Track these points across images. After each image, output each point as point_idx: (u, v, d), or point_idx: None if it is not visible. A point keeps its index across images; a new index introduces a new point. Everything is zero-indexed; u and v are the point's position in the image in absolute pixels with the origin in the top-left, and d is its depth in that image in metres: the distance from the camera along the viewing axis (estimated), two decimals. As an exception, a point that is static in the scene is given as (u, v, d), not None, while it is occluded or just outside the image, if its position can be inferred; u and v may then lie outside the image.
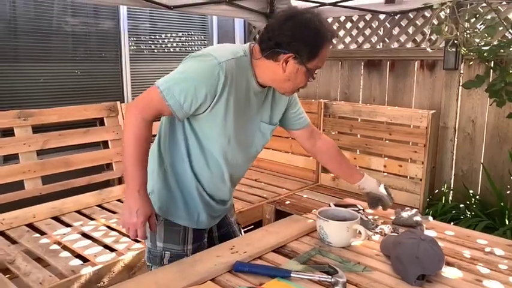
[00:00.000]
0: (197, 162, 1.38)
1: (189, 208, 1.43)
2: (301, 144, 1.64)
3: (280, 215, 2.78)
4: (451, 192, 3.13)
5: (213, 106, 1.27)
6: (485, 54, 2.64)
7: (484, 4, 2.59)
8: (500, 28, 2.53)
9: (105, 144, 3.12)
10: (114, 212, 2.80)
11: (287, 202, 3.01)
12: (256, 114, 1.41)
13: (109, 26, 3.44)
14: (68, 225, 2.60)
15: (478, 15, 2.72)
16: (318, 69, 1.33)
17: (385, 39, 3.40)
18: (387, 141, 3.07)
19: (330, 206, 1.71)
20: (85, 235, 2.45)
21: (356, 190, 3.15)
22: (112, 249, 2.26)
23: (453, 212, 2.95)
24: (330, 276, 1.16)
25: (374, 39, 3.48)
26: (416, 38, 3.23)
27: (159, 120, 1.43)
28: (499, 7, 2.68)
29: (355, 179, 1.64)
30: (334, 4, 3.46)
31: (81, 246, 2.28)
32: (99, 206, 2.90)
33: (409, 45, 3.27)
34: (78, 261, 2.12)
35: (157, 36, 3.77)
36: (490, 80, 2.72)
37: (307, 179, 3.52)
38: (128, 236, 1.71)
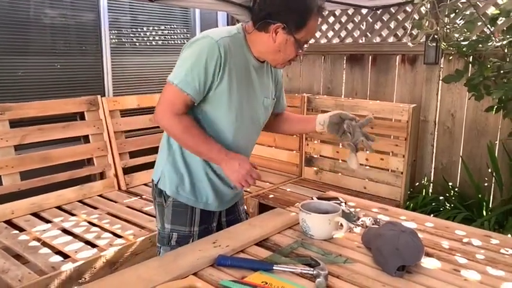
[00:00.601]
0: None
1: (196, 189, 1.47)
2: (271, 126, 1.67)
3: (263, 208, 2.79)
4: (431, 184, 3.19)
5: (219, 82, 1.34)
6: (464, 49, 2.69)
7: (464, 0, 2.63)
8: (479, 23, 2.57)
9: (85, 138, 3.07)
10: (95, 208, 2.77)
11: (271, 196, 3.03)
12: (259, 89, 1.47)
13: (89, 18, 3.36)
14: (48, 221, 2.56)
15: (457, 11, 2.76)
16: (306, 44, 1.38)
17: (367, 33, 3.42)
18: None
19: (312, 199, 1.73)
20: (66, 231, 2.41)
21: (339, 184, 3.22)
22: (93, 245, 2.23)
23: (433, 204, 3.01)
24: (312, 269, 1.17)
25: (356, 33, 3.50)
26: (397, 32, 3.27)
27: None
28: (477, 2, 2.73)
29: (311, 122, 1.59)
30: (317, -2, 3.46)
31: (62, 243, 2.25)
32: (80, 201, 2.86)
33: (391, 39, 3.30)
34: (58, 258, 2.09)
35: (139, 29, 3.71)
36: (469, 75, 2.78)
37: (290, 172, 3.54)
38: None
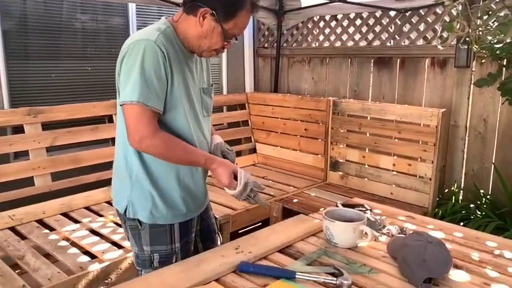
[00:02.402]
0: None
1: (171, 204, 1.41)
2: None
3: (287, 213, 2.77)
4: (461, 191, 3.09)
5: (171, 83, 1.30)
6: (497, 52, 2.60)
7: (497, 1, 2.54)
8: (514, 25, 2.47)
9: (114, 141, 3.12)
10: (122, 209, 2.82)
11: (295, 200, 3.00)
12: (197, 79, 1.44)
13: (118, 23, 3.45)
14: (76, 221, 2.62)
15: (490, 12, 2.67)
16: (236, 40, 1.36)
17: (396, 36, 3.35)
18: (396, 140, 3.04)
19: (337, 205, 1.70)
20: (93, 231, 2.47)
21: (365, 189, 3.16)
22: (120, 246, 2.27)
23: (463, 212, 2.91)
24: (335, 278, 1.15)
25: (384, 36, 3.43)
26: (427, 35, 3.18)
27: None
28: (512, 4, 2.63)
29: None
30: (344, 1, 3.43)
31: (89, 243, 2.30)
32: (108, 202, 2.92)
33: (420, 42, 3.22)
34: (86, 258, 2.14)
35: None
36: (503, 78, 2.68)
37: (315, 177, 3.51)
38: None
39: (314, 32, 3.88)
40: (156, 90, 1.25)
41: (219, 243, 1.68)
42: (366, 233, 1.37)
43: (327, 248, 1.38)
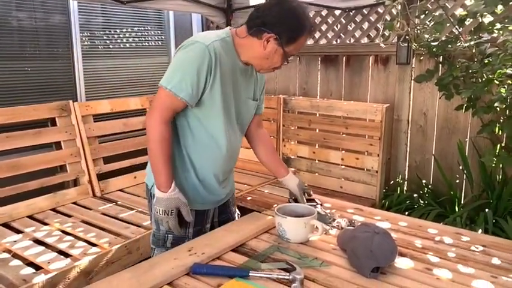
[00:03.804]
0: (197, 146, 1.48)
1: (191, 188, 1.51)
2: (248, 130, 1.71)
3: (242, 211, 2.74)
4: (406, 182, 3.26)
5: (211, 86, 1.40)
6: (434, 50, 2.76)
7: (433, 1, 2.70)
8: (448, 24, 2.63)
9: (58, 145, 2.98)
10: (69, 216, 2.70)
11: (248, 198, 3.02)
12: (243, 91, 1.54)
13: (59, 21, 3.28)
14: (19, 231, 2.47)
15: (427, 12, 2.82)
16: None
17: (341, 34, 3.46)
18: (344, 135, 3.14)
19: (289, 201, 1.73)
20: (38, 241, 2.34)
21: (316, 183, 3.24)
22: (67, 255, 2.17)
23: (408, 201, 3.07)
24: (288, 274, 1.17)
25: (330, 34, 3.53)
26: (370, 33, 3.31)
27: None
28: (446, 4, 2.79)
29: (280, 174, 1.75)
30: None
31: (33, 254, 2.18)
32: (53, 209, 2.79)
33: (364, 40, 3.35)
34: (30, 270, 2.02)
35: (112, 32, 3.64)
36: (440, 74, 2.85)
37: (268, 174, 3.52)
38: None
39: (263, 30, 3.91)
40: (193, 86, 1.36)
41: None
42: (316, 227, 1.41)
43: (279, 244, 1.40)
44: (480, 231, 2.44)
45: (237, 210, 1.81)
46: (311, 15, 3.55)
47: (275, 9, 1.38)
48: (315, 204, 1.70)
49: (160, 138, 1.39)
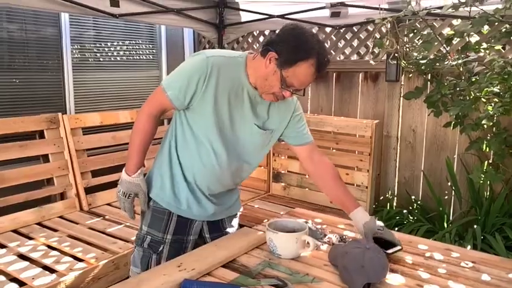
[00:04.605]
0: (186, 150, 1.50)
1: (176, 194, 1.53)
2: (302, 163, 1.68)
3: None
4: (395, 198, 3.27)
5: (203, 94, 1.41)
6: (422, 67, 2.81)
7: (421, 20, 2.76)
8: (436, 43, 2.69)
9: (45, 158, 2.94)
10: (55, 230, 2.65)
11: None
12: (249, 115, 1.49)
13: (50, 33, 3.27)
14: (2, 246, 2.41)
15: (415, 31, 2.89)
16: (296, 90, 1.40)
17: (331, 51, 3.50)
18: (334, 150, 3.16)
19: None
20: (22, 256, 2.28)
21: (307, 199, 3.23)
22: (52, 271, 2.12)
23: (397, 217, 3.07)
24: (279, 290, 1.16)
25: (321, 51, 3.57)
26: (360, 50, 3.36)
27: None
28: (434, 23, 2.86)
29: (347, 209, 1.54)
30: (281, 16, 3.53)
31: (18, 269, 2.12)
32: (39, 224, 2.73)
33: (354, 57, 3.40)
34: (14, 286, 1.97)
35: (103, 45, 3.64)
36: (428, 92, 2.90)
37: (258, 188, 3.53)
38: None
39: (254, 46, 3.95)
40: (180, 89, 1.41)
41: None
42: (308, 242, 1.40)
43: (270, 260, 1.38)
44: (469, 247, 2.45)
45: (234, 224, 1.72)
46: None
47: (285, 30, 1.39)
48: (306, 219, 1.69)
49: (142, 129, 1.48)
